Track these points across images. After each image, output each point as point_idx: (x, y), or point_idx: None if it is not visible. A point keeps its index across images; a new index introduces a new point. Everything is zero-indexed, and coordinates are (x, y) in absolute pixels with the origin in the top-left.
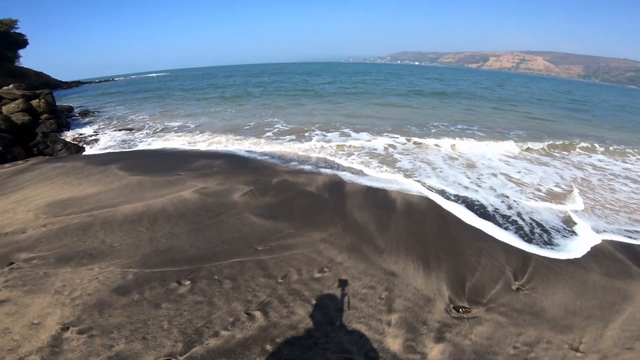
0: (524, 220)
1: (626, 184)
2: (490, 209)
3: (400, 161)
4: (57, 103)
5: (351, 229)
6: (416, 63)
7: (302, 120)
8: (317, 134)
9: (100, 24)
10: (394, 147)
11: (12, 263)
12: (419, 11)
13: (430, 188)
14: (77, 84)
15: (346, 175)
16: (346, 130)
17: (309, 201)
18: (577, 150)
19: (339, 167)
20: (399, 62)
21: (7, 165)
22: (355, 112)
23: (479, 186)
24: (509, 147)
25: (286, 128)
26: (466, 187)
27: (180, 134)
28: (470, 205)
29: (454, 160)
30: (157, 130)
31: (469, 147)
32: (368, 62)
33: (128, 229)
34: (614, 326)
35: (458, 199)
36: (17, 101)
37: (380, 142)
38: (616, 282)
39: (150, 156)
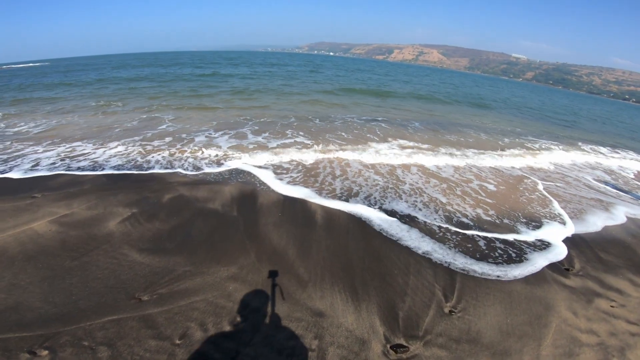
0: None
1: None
2: (406, 216)
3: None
4: None
5: (268, 258)
6: (331, 53)
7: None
8: (219, 134)
9: None
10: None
11: None
12: (335, 2)
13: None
14: None
15: (261, 183)
16: (257, 129)
17: (212, 223)
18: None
19: (249, 173)
20: (315, 52)
21: None
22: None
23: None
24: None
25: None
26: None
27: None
28: (390, 212)
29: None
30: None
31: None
32: (286, 52)
33: None
34: (547, 343)
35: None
36: None
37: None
38: (535, 289)
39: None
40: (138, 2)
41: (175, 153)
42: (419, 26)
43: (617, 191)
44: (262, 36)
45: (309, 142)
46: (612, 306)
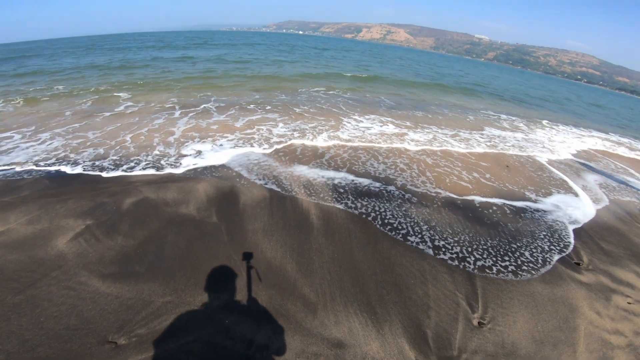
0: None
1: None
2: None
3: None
4: None
5: (264, 277)
6: (300, 32)
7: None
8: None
9: None
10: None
11: None
12: None
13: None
14: None
15: (238, 175)
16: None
17: (188, 234)
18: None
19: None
20: (284, 30)
21: None
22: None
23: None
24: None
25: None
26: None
27: None
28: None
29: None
30: None
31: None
32: (253, 31)
33: None
34: (581, 349)
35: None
36: None
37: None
38: (555, 289)
39: None
40: None
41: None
42: (387, 5)
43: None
44: (225, 15)
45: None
46: (629, 302)
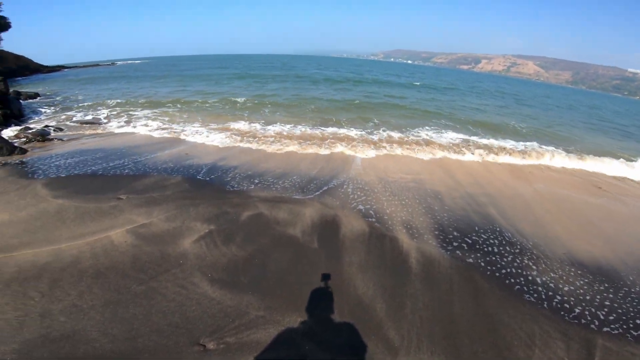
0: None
1: None
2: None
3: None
4: (30, 89)
5: (350, 310)
6: (409, 62)
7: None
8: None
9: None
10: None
11: None
12: (414, 8)
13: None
14: (60, 68)
15: (342, 206)
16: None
17: (291, 255)
18: None
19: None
20: (392, 59)
21: None
22: None
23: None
24: None
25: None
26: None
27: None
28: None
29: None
30: (123, 120)
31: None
32: (361, 58)
33: (14, 294)
34: None
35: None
36: None
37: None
38: None
39: (94, 163)
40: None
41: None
42: (511, 35)
43: None
44: (336, 42)
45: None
46: None
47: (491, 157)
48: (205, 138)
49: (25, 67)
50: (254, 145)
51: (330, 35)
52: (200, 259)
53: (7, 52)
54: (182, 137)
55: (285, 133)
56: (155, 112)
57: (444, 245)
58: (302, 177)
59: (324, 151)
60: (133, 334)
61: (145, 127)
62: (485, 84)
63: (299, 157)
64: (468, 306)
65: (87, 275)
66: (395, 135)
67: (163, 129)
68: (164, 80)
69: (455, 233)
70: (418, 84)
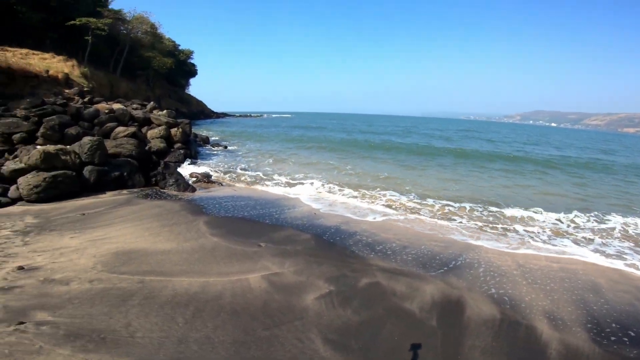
0: None
1: None
2: None
3: None
4: (200, 132)
5: None
6: (553, 124)
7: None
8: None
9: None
10: None
11: (22, 322)
12: (556, 64)
13: None
14: (224, 115)
15: (469, 288)
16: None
17: (404, 329)
18: None
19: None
20: (530, 122)
21: (124, 191)
22: None
23: None
24: None
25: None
26: None
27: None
28: None
29: None
30: (279, 179)
31: None
32: (494, 121)
33: (165, 316)
34: None
35: None
36: (160, 127)
37: None
38: None
39: (244, 209)
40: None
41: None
42: None
43: None
44: (461, 102)
45: None
46: None
47: None
48: (340, 198)
49: (201, 112)
50: (379, 215)
51: (456, 95)
52: (318, 316)
53: (192, 97)
54: (319, 195)
55: (411, 205)
56: (303, 170)
57: (597, 339)
58: (426, 252)
59: (452, 233)
60: None
61: (285, 185)
62: None
63: (425, 232)
64: None
65: (225, 312)
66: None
67: (296, 184)
68: (324, 145)
69: (614, 325)
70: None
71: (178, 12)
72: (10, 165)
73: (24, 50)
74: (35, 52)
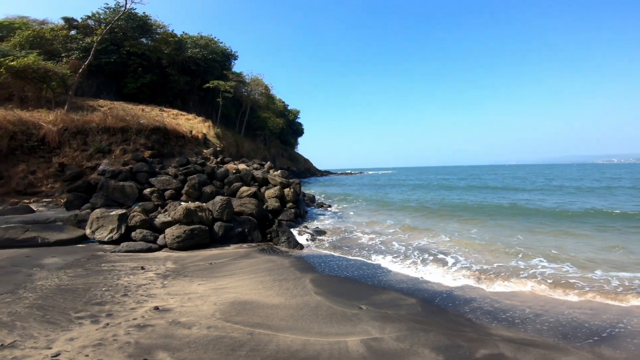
0: None
1: None
2: None
3: None
4: (307, 190)
5: None
6: None
7: None
8: None
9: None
10: None
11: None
12: None
13: None
14: (327, 173)
15: None
16: None
17: None
18: None
19: None
20: None
21: (244, 245)
22: None
23: None
24: None
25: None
26: None
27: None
28: None
29: None
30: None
31: None
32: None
33: None
34: None
35: None
36: (275, 188)
37: None
38: None
39: (346, 269)
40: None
41: None
42: None
43: None
44: (594, 143)
45: None
46: None
47: None
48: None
49: (308, 170)
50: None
51: (590, 133)
52: None
53: (300, 155)
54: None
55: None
56: (419, 236)
57: None
58: (567, 320)
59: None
60: None
61: (387, 254)
62: None
63: (565, 298)
64: None
65: None
66: None
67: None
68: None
69: None
70: None
71: (285, 75)
72: (161, 218)
73: (175, 111)
74: (182, 112)
